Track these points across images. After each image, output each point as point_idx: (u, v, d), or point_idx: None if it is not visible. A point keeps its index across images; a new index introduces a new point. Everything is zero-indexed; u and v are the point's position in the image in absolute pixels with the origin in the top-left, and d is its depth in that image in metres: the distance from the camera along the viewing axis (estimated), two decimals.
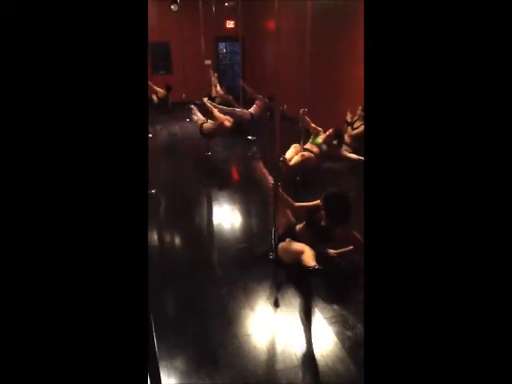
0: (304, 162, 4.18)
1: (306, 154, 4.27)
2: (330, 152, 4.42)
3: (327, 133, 4.36)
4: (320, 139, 4.43)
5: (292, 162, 4.19)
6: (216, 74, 8.22)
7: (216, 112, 5.42)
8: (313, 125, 4.49)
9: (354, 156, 4.40)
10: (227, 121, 5.27)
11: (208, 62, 8.90)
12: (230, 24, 9.59)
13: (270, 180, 2.81)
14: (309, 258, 2.35)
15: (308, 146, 4.45)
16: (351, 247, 2.69)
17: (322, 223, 2.57)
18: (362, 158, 4.10)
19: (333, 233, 2.58)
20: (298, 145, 4.38)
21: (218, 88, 7.74)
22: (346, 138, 5.15)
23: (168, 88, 8.25)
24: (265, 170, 3.10)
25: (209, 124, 5.36)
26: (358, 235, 2.60)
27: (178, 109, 8.14)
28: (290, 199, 2.80)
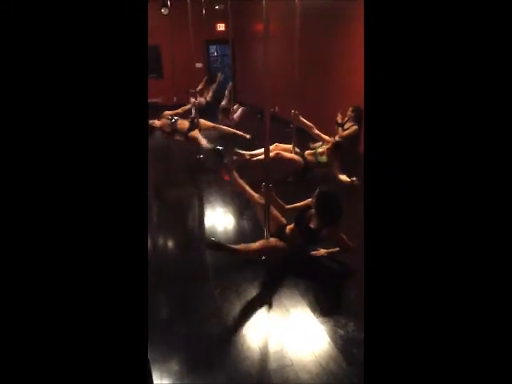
0: (277, 160, 3.98)
1: (288, 154, 4.14)
2: (327, 166, 4.19)
3: (328, 146, 4.15)
4: (321, 149, 4.23)
5: (257, 158, 4.04)
6: (205, 78, 7.86)
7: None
8: (316, 131, 4.19)
9: (345, 179, 3.97)
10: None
11: (199, 65, 8.90)
12: (221, 27, 9.61)
13: (257, 197, 2.80)
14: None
15: (307, 152, 4.31)
16: (337, 248, 2.70)
17: (311, 225, 2.59)
18: (353, 179, 3.83)
19: (320, 234, 2.59)
20: (290, 145, 4.30)
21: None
22: (337, 139, 5.18)
23: None
24: (241, 182, 2.98)
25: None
26: (344, 237, 2.62)
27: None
28: (280, 202, 2.81)
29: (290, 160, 4.16)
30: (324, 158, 4.18)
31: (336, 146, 4.11)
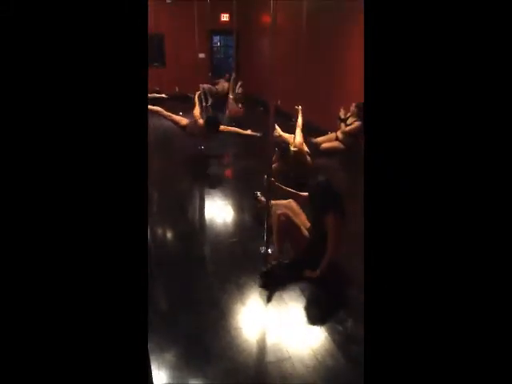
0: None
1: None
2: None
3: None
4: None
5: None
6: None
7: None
8: (297, 130, 4.16)
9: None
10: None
11: (202, 55, 8.81)
12: (225, 17, 9.51)
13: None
14: None
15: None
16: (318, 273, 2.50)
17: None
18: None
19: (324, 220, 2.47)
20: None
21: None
22: (339, 134, 5.17)
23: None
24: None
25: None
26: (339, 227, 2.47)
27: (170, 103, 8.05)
28: (291, 189, 2.77)
29: (303, 154, 4.14)
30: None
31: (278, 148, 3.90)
